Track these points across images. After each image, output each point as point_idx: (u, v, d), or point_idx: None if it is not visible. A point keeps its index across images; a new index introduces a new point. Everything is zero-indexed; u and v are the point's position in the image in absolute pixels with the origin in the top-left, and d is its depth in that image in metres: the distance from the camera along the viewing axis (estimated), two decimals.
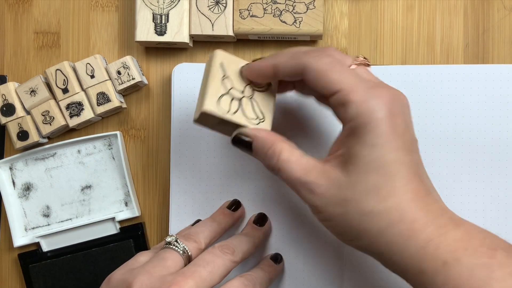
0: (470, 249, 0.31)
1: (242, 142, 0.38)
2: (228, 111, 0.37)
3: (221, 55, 0.38)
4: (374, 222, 0.33)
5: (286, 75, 0.37)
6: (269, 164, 0.37)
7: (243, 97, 0.38)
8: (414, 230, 0.32)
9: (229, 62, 0.38)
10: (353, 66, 0.36)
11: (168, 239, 0.39)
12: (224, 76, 0.38)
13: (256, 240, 0.42)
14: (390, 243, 0.33)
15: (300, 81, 0.37)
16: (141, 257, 0.39)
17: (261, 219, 0.44)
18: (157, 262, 0.37)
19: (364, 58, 0.37)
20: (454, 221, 0.33)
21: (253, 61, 0.39)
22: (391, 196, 0.33)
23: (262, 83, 0.39)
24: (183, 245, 0.39)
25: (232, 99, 0.38)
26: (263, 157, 0.37)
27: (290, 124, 0.46)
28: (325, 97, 0.35)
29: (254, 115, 0.38)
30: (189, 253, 0.38)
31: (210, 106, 0.37)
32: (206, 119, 0.38)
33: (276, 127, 0.39)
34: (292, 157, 0.36)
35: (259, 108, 0.39)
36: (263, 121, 0.38)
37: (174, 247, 0.38)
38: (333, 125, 0.45)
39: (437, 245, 0.32)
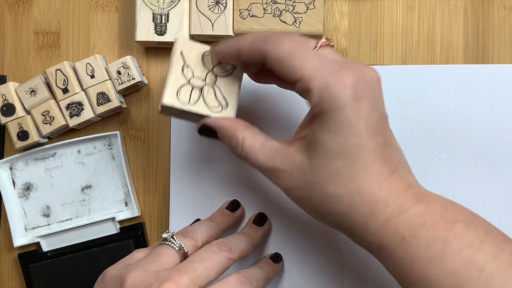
0: (428, 223, 0.33)
1: (208, 132, 0.39)
2: (189, 102, 0.38)
3: (181, 44, 0.39)
4: (337, 205, 0.34)
5: (249, 61, 0.37)
6: (235, 152, 0.38)
7: (204, 85, 0.39)
8: (375, 210, 0.34)
9: (190, 50, 0.39)
10: (316, 48, 0.35)
11: (165, 235, 0.39)
12: (184, 65, 0.38)
13: (254, 239, 0.42)
14: (352, 224, 0.34)
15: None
16: (137, 254, 0.39)
17: (260, 219, 0.44)
18: (153, 258, 0.37)
19: (327, 38, 0.36)
20: (417, 197, 0.34)
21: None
22: (352, 180, 0.34)
23: (226, 66, 0.39)
24: (179, 241, 0.39)
25: (193, 89, 0.38)
26: (228, 146, 0.38)
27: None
28: (290, 84, 0.35)
29: (216, 102, 0.38)
30: (185, 250, 0.38)
31: (169, 99, 0.38)
32: (168, 111, 0.39)
33: (244, 111, 0.40)
34: (255, 143, 0.37)
35: (222, 94, 0.39)
36: (226, 108, 0.39)
37: (170, 243, 0.38)
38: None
39: (396, 223, 0.33)
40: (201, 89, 0.39)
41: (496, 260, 0.32)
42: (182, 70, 0.39)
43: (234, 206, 0.45)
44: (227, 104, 0.39)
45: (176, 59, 0.39)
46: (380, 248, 0.34)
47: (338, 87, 0.33)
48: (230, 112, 0.39)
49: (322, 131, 0.34)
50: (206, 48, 0.39)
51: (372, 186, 0.34)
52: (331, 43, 0.36)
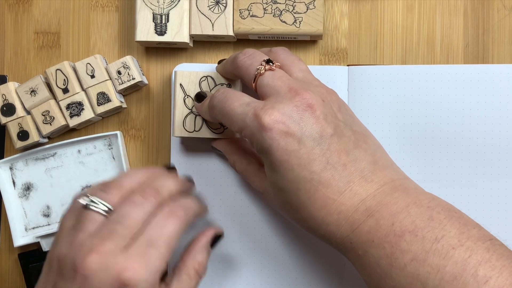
0: (376, 240, 0.34)
1: (217, 150, 0.44)
2: (193, 130, 0.43)
3: (179, 76, 0.44)
4: (300, 225, 0.37)
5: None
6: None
7: None
8: (330, 232, 0.35)
9: (188, 80, 0.44)
10: (254, 81, 0.38)
11: (84, 201, 0.36)
12: (185, 96, 0.43)
13: (184, 184, 0.39)
14: (320, 238, 0.37)
15: None
16: (65, 223, 0.36)
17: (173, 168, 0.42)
18: (78, 228, 0.35)
19: (267, 62, 0.38)
20: (368, 212, 0.34)
21: (218, 62, 0.43)
22: (301, 210, 0.36)
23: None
24: (102, 202, 0.35)
25: (196, 117, 0.43)
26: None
27: None
28: None
29: (218, 124, 0.43)
30: (112, 209, 0.35)
31: (177, 131, 0.43)
32: (182, 137, 0.46)
33: None
34: (241, 167, 0.42)
35: None
36: (226, 128, 0.43)
37: (92, 207, 0.35)
38: None
39: (351, 240, 0.35)
40: None
41: (438, 273, 0.32)
42: (184, 101, 0.43)
43: (170, 169, 0.41)
44: None
45: (177, 93, 0.43)
46: (348, 259, 0.36)
47: (261, 133, 0.35)
48: (230, 132, 0.43)
49: (266, 167, 0.37)
50: (202, 74, 0.43)
51: (320, 212, 0.35)
52: (272, 68, 0.38)
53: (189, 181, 0.42)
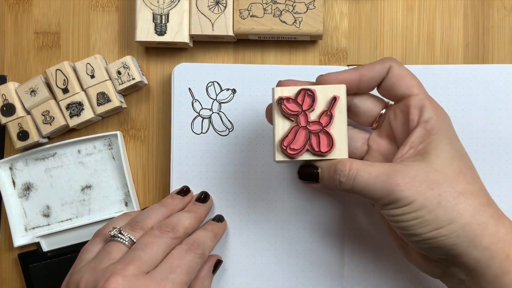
0: None
1: (308, 175, 0.37)
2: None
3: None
4: (469, 202, 0.34)
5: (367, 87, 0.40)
6: (340, 179, 0.36)
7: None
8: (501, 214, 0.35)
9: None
10: None
11: (112, 232, 0.39)
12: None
13: (197, 214, 0.43)
14: (483, 226, 0.33)
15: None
16: (86, 255, 0.39)
17: (203, 198, 0.44)
18: (103, 256, 0.37)
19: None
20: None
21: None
22: (476, 181, 0.35)
23: None
24: (129, 235, 0.39)
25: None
26: (331, 175, 0.36)
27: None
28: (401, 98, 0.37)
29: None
30: (135, 241, 0.38)
31: (279, 156, 0.36)
32: None
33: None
34: (364, 163, 0.35)
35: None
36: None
37: (119, 239, 0.38)
38: None
39: None
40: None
41: None
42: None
43: (184, 191, 0.45)
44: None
45: (276, 111, 0.37)
46: (507, 257, 0.33)
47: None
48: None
49: (439, 139, 0.35)
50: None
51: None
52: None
53: (205, 197, 0.45)
